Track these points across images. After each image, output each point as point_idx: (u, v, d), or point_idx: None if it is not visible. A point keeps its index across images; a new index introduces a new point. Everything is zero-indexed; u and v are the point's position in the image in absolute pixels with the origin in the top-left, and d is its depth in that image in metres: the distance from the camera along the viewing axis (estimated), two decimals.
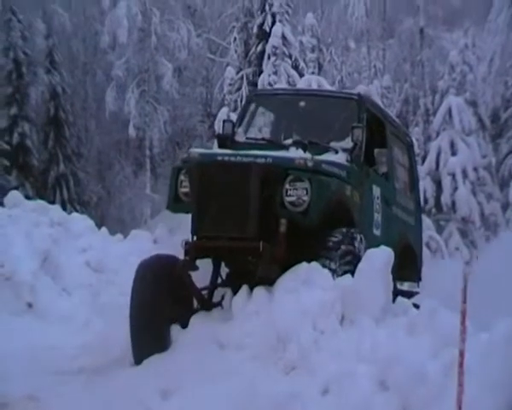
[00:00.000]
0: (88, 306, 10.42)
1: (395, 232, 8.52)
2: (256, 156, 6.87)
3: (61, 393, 6.32)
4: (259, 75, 24.22)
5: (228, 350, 6.19)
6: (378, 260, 6.19)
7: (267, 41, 24.58)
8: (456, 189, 20.40)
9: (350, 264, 6.78)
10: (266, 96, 9.33)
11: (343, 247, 6.84)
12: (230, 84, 22.11)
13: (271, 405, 5.33)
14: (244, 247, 6.64)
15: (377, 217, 8.03)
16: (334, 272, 6.60)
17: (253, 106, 8.58)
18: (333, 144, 7.66)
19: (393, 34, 41.82)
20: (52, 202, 19.07)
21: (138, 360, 6.75)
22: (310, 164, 6.76)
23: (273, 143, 7.86)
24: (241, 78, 27.55)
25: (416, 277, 9.23)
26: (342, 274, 6.61)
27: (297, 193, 6.65)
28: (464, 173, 20.44)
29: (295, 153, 7.18)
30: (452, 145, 20.75)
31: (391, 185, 8.55)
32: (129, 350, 7.42)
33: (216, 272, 7.11)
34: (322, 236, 6.85)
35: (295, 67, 23.69)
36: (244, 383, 5.67)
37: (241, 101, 22.94)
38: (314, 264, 6.43)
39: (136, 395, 6.01)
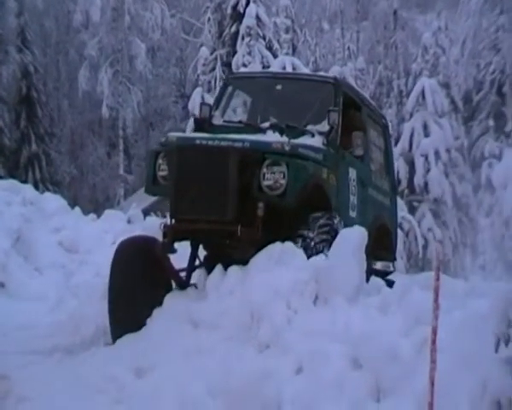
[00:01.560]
0: (60, 285, 10.40)
1: (371, 214, 8.61)
2: (234, 140, 6.94)
3: (33, 372, 6.29)
4: (233, 56, 24.12)
5: (202, 329, 6.21)
6: (352, 239, 6.22)
7: (241, 22, 24.46)
8: (428, 170, 20.50)
9: (327, 234, 6.89)
10: (243, 78, 9.33)
11: (321, 220, 6.95)
12: (204, 65, 22.02)
13: (245, 383, 5.32)
14: (222, 230, 6.73)
15: (353, 199, 8.11)
16: (311, 239, 6.72)
17: (230, 89, 8.60)
18: (309, 128, 7.70)
19: (367, 16, 41.87)
20: (24, 182, 18.91)
21: (115, 336, 6.82)
22: (287, 148, 6.85)
23: (250, 127, 7.93)
24: (215, 58, 27.44)
25: (390, 256, 9.30)
26: (319, 242, 6.74)
27: (274, 177, 6.74)
28: (437, 155, 20.53)
29: (272, 136, 7.25)
30: (425, 127, 20.83)
31: (367, 167, 8.63)
32: (102, 329, 7.45)
33: (193, 254, 7.21)
34: (300, 218, 6.92)
35: (269, 48, 23.62)
36: (218, 361, 5.67)
37: (215, 81, 22.93)
38: (288, 244, 6.46)
39: (110, 373, 6.00)
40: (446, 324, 4.91)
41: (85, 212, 14.66)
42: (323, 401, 5.15)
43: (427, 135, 20.74)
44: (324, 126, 7.64)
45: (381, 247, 8.65)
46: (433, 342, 3.62)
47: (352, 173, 8.11)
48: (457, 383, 4.24)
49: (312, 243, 6.67)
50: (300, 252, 6.41)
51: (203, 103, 8.61)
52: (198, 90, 21.60)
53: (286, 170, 6.74)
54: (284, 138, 7.08)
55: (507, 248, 20.59)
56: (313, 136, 7.56)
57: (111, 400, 5.62)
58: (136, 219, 14.21)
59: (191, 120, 21.48)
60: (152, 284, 7.00)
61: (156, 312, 6.58)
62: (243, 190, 6.73)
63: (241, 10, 25.95)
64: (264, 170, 6.76)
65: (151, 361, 6.01)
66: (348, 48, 37.77)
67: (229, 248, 6.85)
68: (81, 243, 12.09)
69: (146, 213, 18.86)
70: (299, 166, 6.87)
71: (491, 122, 30.14)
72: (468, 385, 3.98)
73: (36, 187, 21.58)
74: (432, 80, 21.33)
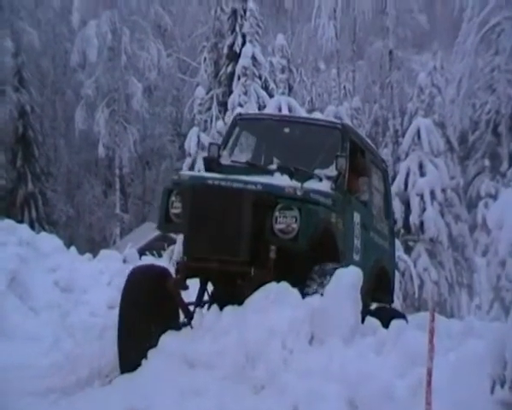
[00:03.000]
0: (56, 326, 10.37)
1: (372, 257, 8.76)
2: (247, 182, 7.11)
3: None
4: (229, 95, 24.25)
5: (197, 369, 6.20)
6: (347, 279, 6.26)
7: (237, 62, 24.61)
8: (424, 210, 20.52)
9: None
10: (251, 120, 9.44)
11: (331, 266, 7.07)
12: (200, 104, 22.10)
13: None
14: (236, 271, 6.93)
15: (357, 242, 8.29)
16: (321, 285, 6.78)
17: (237, 129, 8.75)
18: (317, 172, 7.88)
19: (363, 56, 42.18)
20: (20, 222, 18.93)
21: (124, 368, 6.85)
22: (299, 193, 7.03)
23: (258, 168, 8.10)
24: (211, 98, 27.60)
25: (388, 298, 9.43)
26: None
27: (286, 221, 6.92)
28: (432, 194, 20.56)
29: (284, 180, 7.41)
30: (421, 166, 20.88)
31: (369, 212, 8.82)
32: (97, 370, 7.44)
33: (202, 289, 7.46)
34: (310, 261, 7.07)
35: (265, 88, 23.75)
36: (213, 402, 5.68)
37: (211, 121, 23.02)
38: (283, 283, 6.49)
39: None
40: (442, 365, 4.93)
41: (81, 251, 14.67)
42: None
43: (422, 175, 20.80)
44: (332, 171, 7.82)
45: (380, 289, 8.89)
46: (429, 383, 3.64)
47: (357, 217, 8.29)
48: None
49: (322, 289, 6.73)
50: (296, 292, 6.43)
51: (211, 143, 8.78)
52: (194, 129, 21.67)
53: (298, 215, 6.92)
54: (296, 183, 7.26)
55: (502, 289, 20.57)
56: (321, 180, 7.76)
57: None
58: (131, 258, 14.23)
59: (188, 160, 21.55)
60: (162, 316, 7.16)
61: (151, 352, 6.57)
62: (256, 232, 6.91)
63: (237, 50, 26.15)
64: (277, 213, 6.94)
65: (146, 402, 5.98)
66: (344, 87, 37.93)
67: (238, 287, 6.93)
68: (77, 283, 12.07)
69: (141, 252, 18.89)
70: (310, 212, 7.05)
71: (486, 162, 30.24)
72: None
73: (32, 227, 21.61)
74: (427, 120, 21.42)
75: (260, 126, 9.02)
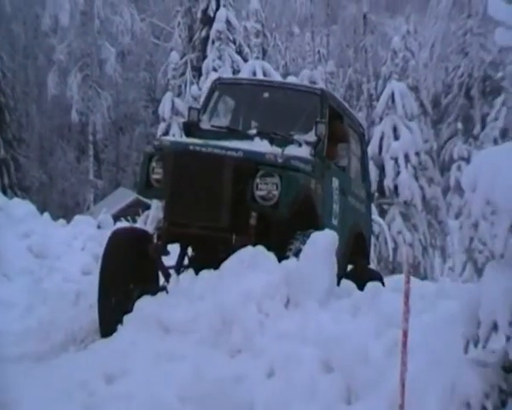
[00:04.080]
0: (30, 292, 10.28)
1: (349, 221, 8.81)
2: (227, 149, 7.11)
3: (1, 380, 6.21)
4: (203, 60, 24.09)
5: (173, 334, 6.16)
6: (322, 243, 6.24)
7: (211, 26, 24.43)
8: (398, 173, 20.59)
9: None
10: (230, 84, 9.42)
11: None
12: (174, 69, 21.94)
13: (217, 388, 5.32)
14: (217, 237, 6.96)
15: (335, 207, 8.32)
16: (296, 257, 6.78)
17: (216, 94, 8.72)
18: (296, 137, 7.86)
19: (337, 20, 42.06)
20: None
21: (104, 329, 6.88)
22: (280, 160, 7.07)
23: (238, 133, 8.07)
24: (185, 63, 27.41)
25: (365, 261, 9.49)
26: None
27: (267, 187, 6.97)
28: (406, 158, 20.61)
29: (264, 146, 7.42)
30: (395, 130, 20.91)
31: (347, 176, 8.85)
32: (72, 336, 7.41)
33: (183, 255, 7.55)
34: (291, 227, 7.11)
35: (239, 53, 23.61)
36: (189, 366, 5.65)
37: (186, 86, 22.89)
38: (259, 247, 6.47)
39: (80, 379, 5.92)
40: (416, 326, 4.93)
41: (54, 217, 14.54)
42: (295, 404, 5.15)
43: (396, 138, 20.84)
44: (311, 137, 7.82)
45: (356, 252, 8.96)
46: (404, 344, 3.64)
47: (335, 183, 8.32)
48: (427, 384, 4.26)
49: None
50: (271, 255, 6.41)
51: (191, 108, 8.68)
52: (168, 94, 21.53)
53: (279, 181, 6.96)
54: (276, 149, 7.28)
55: (475, 251, 20.73)
56: (300, 145, 7.76)
57: (81, 406, 5.56)
58: (106, 224, 14.14)
59: (162, 125, 21.42)
60: (142, 278, 7.22)
61: (127, 317, 6.53)
62: (237, 199, 6.95)
63: (211, 14, 25.93)
64: (258, 180, 6.98)
65: (122, 367, 5.94)
66: (318, 51, 37.87)
67: (218, 252, 6.92)
68: (50, 249, 11.96)
69: (116, 218, 18.78)
70: (291, 179, 7.09)
71: (459, 125, 30.37)
72: (438, 386, 4.00)
73: (4, 193, 21.41)
74: (401, 84, 21.42)
75: (240, 91, 9.00)
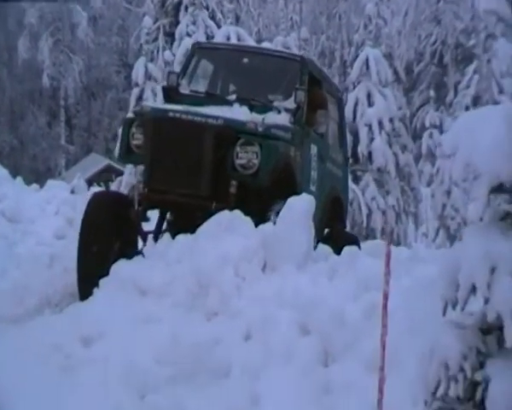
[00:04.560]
0: (3, 256, 10.20)
1: (327, 186, 8.84)
2: (208, 116, 7.11)
3: None
4: (176, 26, 23.86)
5: (149, 297, 6.13)
6: (299, 207, 6.23)
7: None
8: (372, 140, 20.60)
9: None
10: (210, 49, 9.41)
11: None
12: (148, 34, 21.77)
13: (194, 351, 5.31)
14: (197, 204, 6.97)
15: (314, 174, 8.36)
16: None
17: (196, 58, 8.67)
18: (275, 104, 7.85)
19: None
20: None
21: (83, 291, 6.81)
22: (260, 128, 7.07)
23: (217, 98, 8.02)
24: (158, 28, 27.10)
25: (341, 225, 9.56)
26: None
27: (247, 156, 6.99)
28: (380, 125, 20.60)
29: (244, 114, 7.40)
30: (369, 96, 20.88)
31: (325, 142, 8.86)
32: (46, 299, 7.36)
33: (162, 220, 7.54)
34: (270, 194, 7.11)
35: (213, 18, 23.41)
36: (166, 329, 5.63)
37: (158, 51, 22.61)
38: (236, 211, 6.45)
39: (56, 342, 5.88)
40: (395, 290, 4.95)
41: (26, 182, 14.42)
42: (272, 366, 5.16)
43: (370, 105, 20.81)
44: (290, 103, 7.81)
45: (333, 217, 9.00)
46: (385, 306, 3.64)
47: (314, 149, 8.34)
48: (406, 346, 4.28)
49: None
50: (248, 220, 6.39)
51: (170, 72, 8.70)
52: (141, 59, 21.37)
53: (259, 150, 6.97)
54: (257, 116, 7.26)
55: (447, 217, 20.86)
56: (279, 112, 7.73)
57: (57, 369, 5.52)
58: (79, 189, 14.06)
59: (135, 90, 21.24)
60: (121, 241, 7.21)
61: (103, 281, 6.48)
62: (217, 167, 6.97)
63: None
64: (238, 149, 6.99)
65: (98, 330, 5.90)
66: (291, 18, 37.70)
67: (197, 218, 6.86)
68: (24, 213, 11.88)
69: (89, 183, 18.69)
70: (271, 147, 7.11)
71: (431, 93, 30.39)
72: (417, 349, 4.02)
73: None
74: (376, 50, 21.35)
75: (219, 55, 8.97)
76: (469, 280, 3.75)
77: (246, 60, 8.47)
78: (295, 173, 7.64)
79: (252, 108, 7.53)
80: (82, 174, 23.43)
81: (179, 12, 24.13)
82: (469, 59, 30.32)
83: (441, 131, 26.71)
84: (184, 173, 6.97)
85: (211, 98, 7.98)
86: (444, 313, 3.95)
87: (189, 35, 20.71)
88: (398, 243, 18.64)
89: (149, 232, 7.36)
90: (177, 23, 23.87)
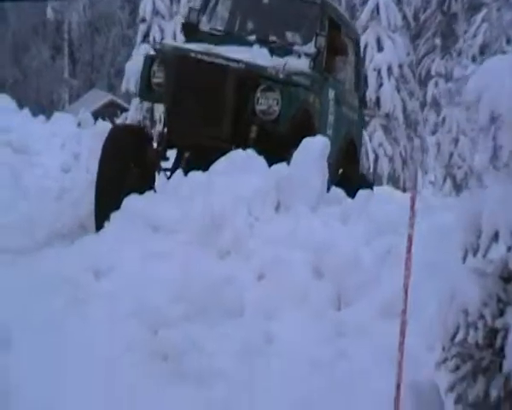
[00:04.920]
0: (10, 186, 10.13)
1: (343, 130, 8.82)
2: (230, 60, 7.09)
3: None
4: None
5: (161, 233, 6.07)
6: (314, 149, 6.18)
7: None
8: (381, 85, 20.42)
9: None
10: None
11: None
12: None
13: (207, 289, 5.26)
14: (217, 147, 6.88)
15: (330, 118, 8.35)
16: None
17: None
18: (295, 48, 7.83)
19: None
20: None
21: (99, 221, 6.77)
22: (281, 75, 7.09)
23: (237, 38, 7.98)
24: None
25: (356, 168, 9.56)
26: None
27: (268, 102, 7.01)
28: (389, 70, 20.44)
29: (265, 57, 7.37)
30: (378, 41, 20.69)
31: (343, 86, 8.84)
32: (55, 232, 7.31)
33: (179, 158, 7.54)
34: (289, 140, 7.04)
35: None
36: (177, 266, 5.57)
37: None
38: (250, 151, 6.38)
39: (67, 274, 5.80)
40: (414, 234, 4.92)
41: (32, 114, 14.31)
42: (285, 308, 5.14)
43: (380, 50, 20.62)
44: (310, 48, 7.77)
45: (348, 159, 9.00)
46: (409, 250, 3.60)
47: (331, 94, 8.32)
48: (424, 291, 4.26)
49: None
50: (263, 160, 6.33)
51: (191, 8, 8.58)
52: None
53: (280, 97, 6.99)
54: (277, 61, 7.25)
55: (454, 166, 20.77)
56: (299, 57, 7.69)
57: (66, 301, 5.47)
58: (86, 123, 13.96)
59: (142, 26, 21.01)
60: (139, 175, 7.17)
61: (114, 214, 6.42)
62: (237, 110, 7.00)
63: None
64: (259, 94, 7.00)
65: (109, 264, 5.84)
66: None
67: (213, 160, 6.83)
68: (30, 145, 11.80)
69: (94, 117, 18.55)
70: (291, 94, 7.13)
71: (437, 41, 30.08)
72: (436, 294, 4.00)
73: None
74: None
75: None
76: (492, 227, 3.71)
77: (267, 1, 8.37)
78: (314, 119, 7.65)
79: (272, 51, 7.48)
80: (85, 109, 23.33)
81: None
82: (477, 8, 29.93)
83: (447, 80, 26.52)
84: (205, 115, 6.99)
85: (231, 37, 7.94)
86: (464, 260, 3.92)
87: None
88: (404, 190, 18.60)
89: (167, 170, 7.38)
90: None
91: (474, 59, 25.57)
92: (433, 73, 27.71)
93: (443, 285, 4.02)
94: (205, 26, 8.21)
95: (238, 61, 7.06)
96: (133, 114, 18.93)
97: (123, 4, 40.67)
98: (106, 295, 5.48)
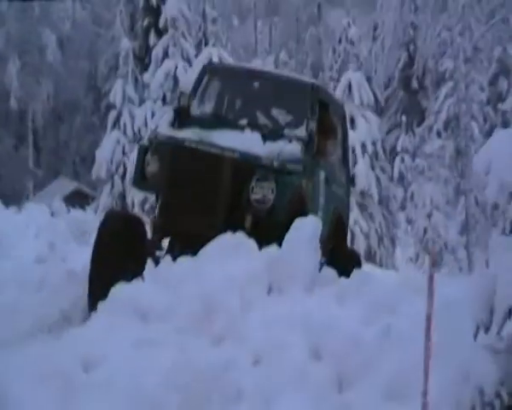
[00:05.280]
0: None
1: (331, 207, 8.79)
2: (225, 149, 7.12)
3: None
4: (146, 50, 23.83)
5: (151, 321, 5.94)
6: (306, 229, 6.13)
7: (155, 14, 24.15)
8: (355, 163, 20.63)
9: None
10: (221, 70, 9.42)
11: None
12: (125, 57, 21.68)
13: (203, 375, 5.15)
14: (212, 236, 6.71)
15: (321, 200, 8.34)
16: None
17: (206, 79, 8.61)
18: (286, 132, 7.87)
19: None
20: None
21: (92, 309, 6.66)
22: (275, 164, 7.13)
23: (229, 123, 8.00)
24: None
25: (344, 244, 9.55)
26: None
27: (263, 191, 7.04)
28: (363, 147, 20.69)
29: (259, 145, 7.39)
30: (352, 120, 20.96)
31: (332, 166, 8.83)
32: (41, 322, 7.15)
33: (172, 245, 7.46)
34: (283, 227, 6.92)
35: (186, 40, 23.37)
36: (172, 353, 5.45)
37: (133, 73, 22.45)
38: (239, 234, 6.33)
39: (56, 366, 5.64)
40: (414, 313, 4.87)
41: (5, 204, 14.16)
42: (284, 391, 5.03)
43: (353, 127, 20.86)
44: (301, 132, 7.85)
45: (336, 236, 8.98)
46: (428, 329, 3.54)
47: (322, 175, 8.33)
48: (441, 369, 4.18)
49: None
50: (253, 242, 6.27)
51: (182, 93, 8.55)
52: (119, 81, 21.30)
53: (275, 186, 7.03)
54: (271, 148, 7.32)
55: (429, 241, 20.85)
56: (290, 141, 7.67)
57: (59, 394, 5.30)
58: (59, 211, 13.84)
59: (113, 113, 21.09)
60: (132, 264, 7.05)
61: (102, 304, 6.29)
62: (232, 200, 7.05)
63: (154, 3, 25.57)
64: (253, 184, 7.03)
65: (100, 354, 5.69)
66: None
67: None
68: (3, 236, 11.63)
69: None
70: (286, 182, 7.16)
71: (402, 117, 30.52)
72: (451, 372, 3.93)
73: None
74: (358, 73, 21.45)
75: (231, 77, 8.89)
76: (506, 303, 3.68)
77: (257, 84, 8.45)
78: (307, 203, 7.67)
79: (264, 137, 7.50)
80: (51, 198, 23.19)
81: (148, 35, 24.08)
82: (439, 84, 30.52)
83: (413, 157, 26.88)
84: (200, 204, 7.04)
85: (222, 122, 7.98)
86: (475, 337, 3.87)
87: (166, 55, 20.63)
88: (380, 265, 18.60)
89: (158, 258, 7.20)
90: (147, 46, 23.85)
91: (439, 134, 25.96)
92: (398, 149, 28.06)
93: (454, 363, 3.96)
94: (195, 110, 8.25)
95: (233, 151, 7.11)
96: (105, 199, 18.89)
97: (87, 92, 40.88)
98: (99, 387, 5.31)
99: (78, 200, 25.82)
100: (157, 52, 21.61)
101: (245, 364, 5.30)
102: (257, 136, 7.48)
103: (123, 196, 19.51)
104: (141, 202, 18.72)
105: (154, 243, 7.30)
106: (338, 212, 9.11)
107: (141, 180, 7.46)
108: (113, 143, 19.74)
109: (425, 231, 20.61)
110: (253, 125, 7.75)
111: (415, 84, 33.83)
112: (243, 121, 7.91)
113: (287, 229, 6.79)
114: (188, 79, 17.83)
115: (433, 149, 23.86)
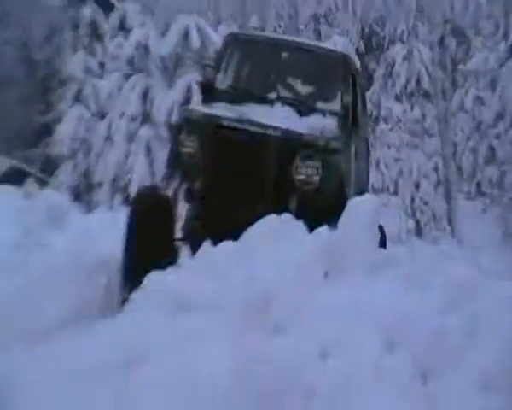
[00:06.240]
0: None
1: (358, 181, 8.75)
2: (266, 127, 6.93)
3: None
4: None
5: (197, 312, 5.66)
6: (364, 209, 5.93)
7: None
8: None
9: None
10: (245, 40, 9.04)
11: None
12: (90, 25, 21.14)
13: (274, 371, 4.95)
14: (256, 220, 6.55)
15: (352, 176, 8.27)
16: None
17: (229, 50, 8.43)
18: (319, 106, 7.73)
19: None
20: None
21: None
22: (321, 143, 6.99)
23: (257, 96, 7.82)
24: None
25: None
26: None
27: (307, 172, 6.86)
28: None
29: (298, 122, 7.23)
30: None
31: (358, 140, 8.71)
32: (62, 318, 6.83)
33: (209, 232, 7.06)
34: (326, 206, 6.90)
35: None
36: (226, 347, 5.23)
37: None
38: (287, 215, 6.12)
39: (92, 367, 5.34)
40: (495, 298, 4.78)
41: None
42: (363, 386, 4.87)
43: None
44: (335, 106, 7.75)
45: None
46: None
47: (353, 149, 8.25)
48: None
49: None
50: (302, 225, 6.07)
51: (206, 65, 8.41)
52: (80, 53, 20.72)
53: (320, 166, 6.86)
54: (312, 124, 7.17)
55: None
56: (324, 115, 7.56)
57: (113, 393, 5.03)
58: (33, 194, 13.40)
59: (73, 85, 20.48)
60: (170, 248, 6.88)
61: (135, 295, 5.96)
62: (277, 182, 6.87)
63: None
64: (298, 163, 6.84)
65: (142, 347, 5.42)
66: None
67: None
68: None
69: None
70: (330, 162, 7.01)
71: None
72: None
73: None
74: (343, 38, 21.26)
75: (255, 47, 8.66)
76: None
77: (284, 54, 8.29)
78: (344, 182, 7.60)
79: (298, 112, 7.38)
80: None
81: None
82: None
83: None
84: (245, 190, 6.86)
85: (250, 96, 7.78)
86: None
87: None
88: None
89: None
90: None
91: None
92: None
93: None
94: (221, 84, 8.09)
95: (275, 128, 6.92)
96: (67, 177, 18.45)
97: (20, 63, 39.92)
98: (147, 385, 5.08)
99: (15, 177, 25.28)
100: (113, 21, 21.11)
101: (312, 357, 5.12)
102: (290, 111, 7.36)
103: (85, 175, 19.04)
104: (111, 181, 18.26)
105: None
106: (362, 187, 9.07)
107: (177, 160, 7.22)
108: (75, 118, 19.17)
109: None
110: (283, 100, 7.60)
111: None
112: (272, 95, 7.78)
113: (331, 210, 6.68)
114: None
115: None
